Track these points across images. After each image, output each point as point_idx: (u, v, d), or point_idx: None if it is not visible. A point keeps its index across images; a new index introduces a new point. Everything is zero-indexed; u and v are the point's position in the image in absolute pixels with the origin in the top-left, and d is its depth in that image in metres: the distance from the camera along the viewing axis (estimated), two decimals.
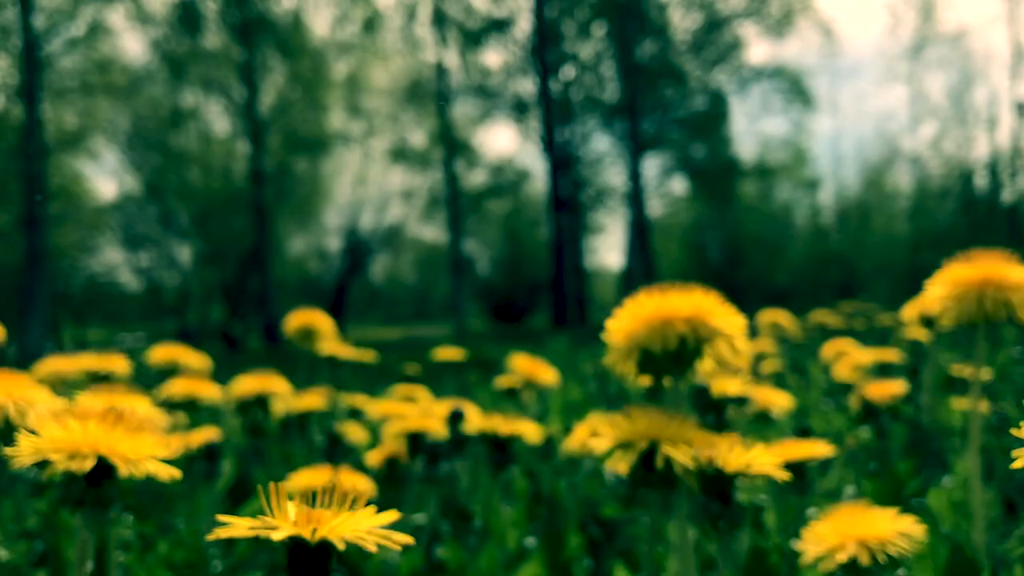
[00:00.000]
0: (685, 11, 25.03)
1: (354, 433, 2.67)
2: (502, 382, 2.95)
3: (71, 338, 45.75)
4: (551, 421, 2.90)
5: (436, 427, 2.07)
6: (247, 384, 2.34)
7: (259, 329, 36.31)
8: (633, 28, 23.32)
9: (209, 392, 2.23)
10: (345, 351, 2.36)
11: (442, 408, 2.21)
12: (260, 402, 2.30)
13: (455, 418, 2.15)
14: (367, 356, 3.68)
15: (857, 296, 29.89)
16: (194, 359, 2.76)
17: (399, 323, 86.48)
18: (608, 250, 50.06)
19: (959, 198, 28.99)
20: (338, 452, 2.53)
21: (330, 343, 2.47)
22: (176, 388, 2.21)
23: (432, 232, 50.38)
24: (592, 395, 4.06)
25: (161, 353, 2.71)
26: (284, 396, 2.34)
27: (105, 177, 45.81)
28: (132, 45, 43.20)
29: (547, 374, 2.34)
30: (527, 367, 2.33)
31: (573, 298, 26.70)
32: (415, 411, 2.33)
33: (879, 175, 33.27)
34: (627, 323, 1.16)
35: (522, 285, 38.96)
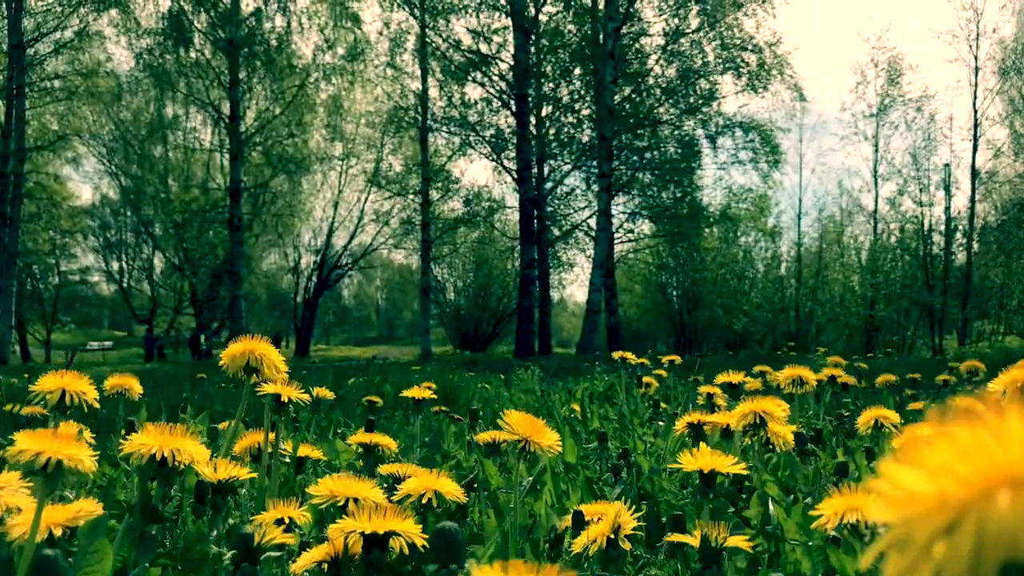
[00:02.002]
0: (663, 60, 26.00)
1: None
2: (484, 437, 2.39)
3: (37, 338, 45.61)
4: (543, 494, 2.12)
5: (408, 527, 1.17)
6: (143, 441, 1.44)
7: (226, 341, 36.37)
8: (610, 73, 24.21)
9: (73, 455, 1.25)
10: (294, 393, 1.74)
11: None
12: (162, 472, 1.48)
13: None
14: (325, 395, 3.23)
15: (810, 345, 30.98)
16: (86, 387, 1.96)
17: (366, 343, 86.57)
18: (572, 283, 51.04)
19: (915, 256, 30.13)
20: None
21: (276, 382, 1.76)
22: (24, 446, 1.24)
23: (402, 255, 51.14)
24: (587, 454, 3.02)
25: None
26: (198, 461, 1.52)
27: (83, 181, 46.00)
28: (118, 52, 43.46)
29: (549, 436, 1.61)
30: (524, 426, 1.66)
31: (538, 329, 27.41)
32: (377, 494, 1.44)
33: (838, 229, 34.44)
34: (945, 487, 0.32)
35: (489, 313, 39.66)
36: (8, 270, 26.67)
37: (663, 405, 3.49)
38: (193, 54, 29.32)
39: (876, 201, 32.04)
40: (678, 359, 4.87)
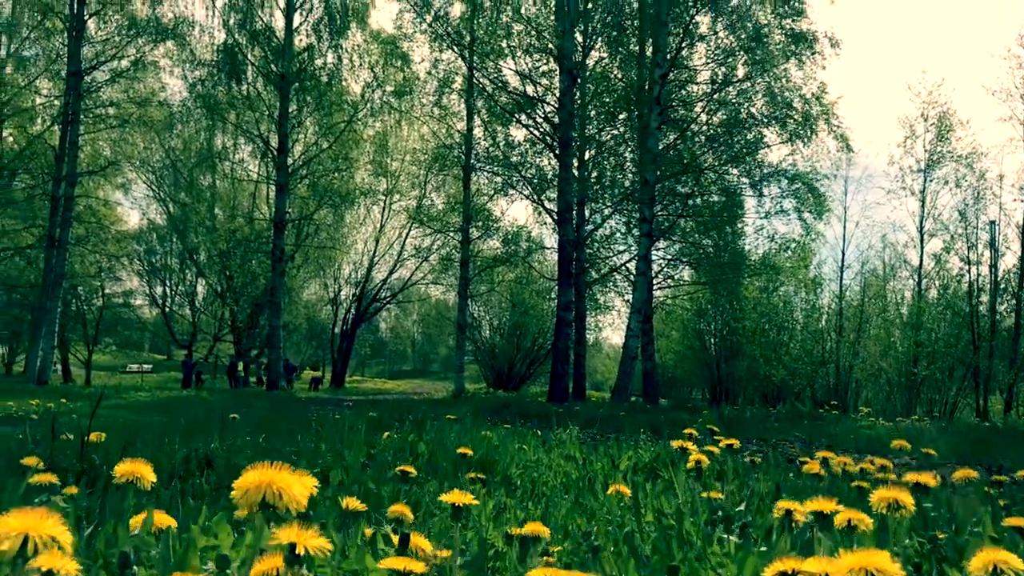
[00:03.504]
0: (709, 108, 25.96)
1: None
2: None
3: (78, 359, 46.35)
4: None
5: None
6: None
7: (263, 369, 36.74)
8: (655, 119, 24.23)
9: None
10: (313, 542, 1.13)
11: None
12: None
13: None
14: (356, 505, 2.32)
15: (849, 399, 30.41)
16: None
17: (401, 376, 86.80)
18: (609, 325, 50.69)
19: (961, 315, 29.49)
20: None
21: (291, 528, 1.19)
22: None
23: (439, 291, 51.37)
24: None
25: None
26: None
27: (132, 207, 46.88)
28: (172, 82, 44.55)
29: None
30: None
31: (573, 372, 27.25)
32: None
33: (881, 283, 33.90)
34: None
35: (523, 352, 39.55)
36: (53, 291, 27.19)
37: (716, 494, 3.14)
38: (245, 87, 29.90)
39: (921, 257, 31.53)
40: (722, 438, 4.68)
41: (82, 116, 28.48)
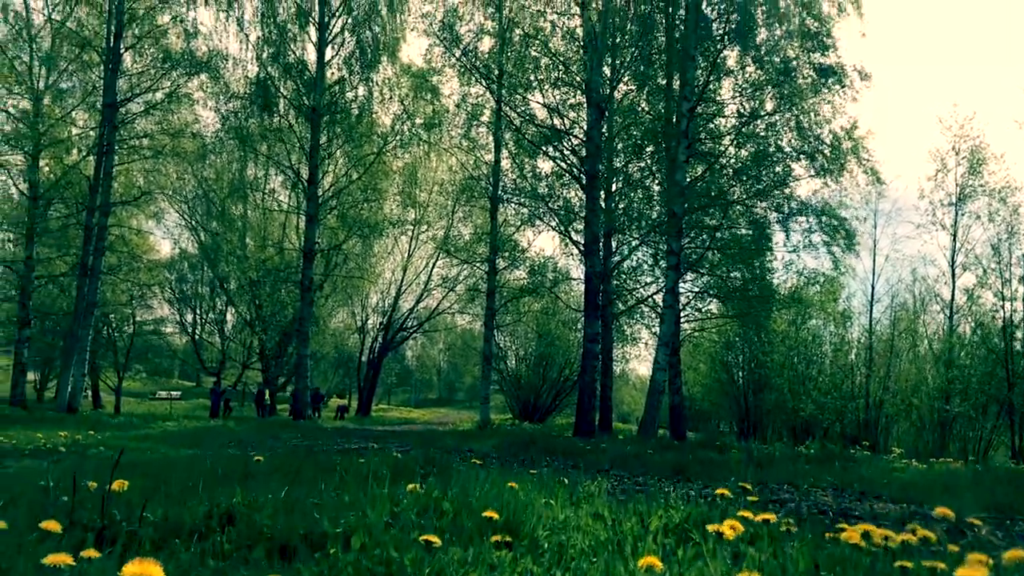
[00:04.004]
0: (737, 141, 25.88)
1: None
2: None
3: (108, 385, 46.83)
4: None
5: None
6: None
7: (291, 397, 36.89)
8: (683, 152, 24.20)
9: None
10: None
11: None
12: None
13: None
14: None
15: (878, 434, 29.92)
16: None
17: (426, 405, 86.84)
18: (635, 357, 50.41)
19: (995, 351, 28.94)
20: None
21: None
22: None
23: (465, 320, 51.42)
24: None
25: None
26: None
27: (164, 237, 47.58)
28: (205, 114, 45.20)
29: None
30: None
31: (599, 404, 27.09)
32: None
33: (912, 317, 33.47)
34: None
35: (549, 383, 39.40)
36: (85, 319, 27.51)
37: None
38: (277, 119, 30.30)
39: (953, 291, 31.10)
40: (753, 502, 4.56)
41: (116, 147, 28.96)
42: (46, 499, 4.14)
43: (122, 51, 28.49)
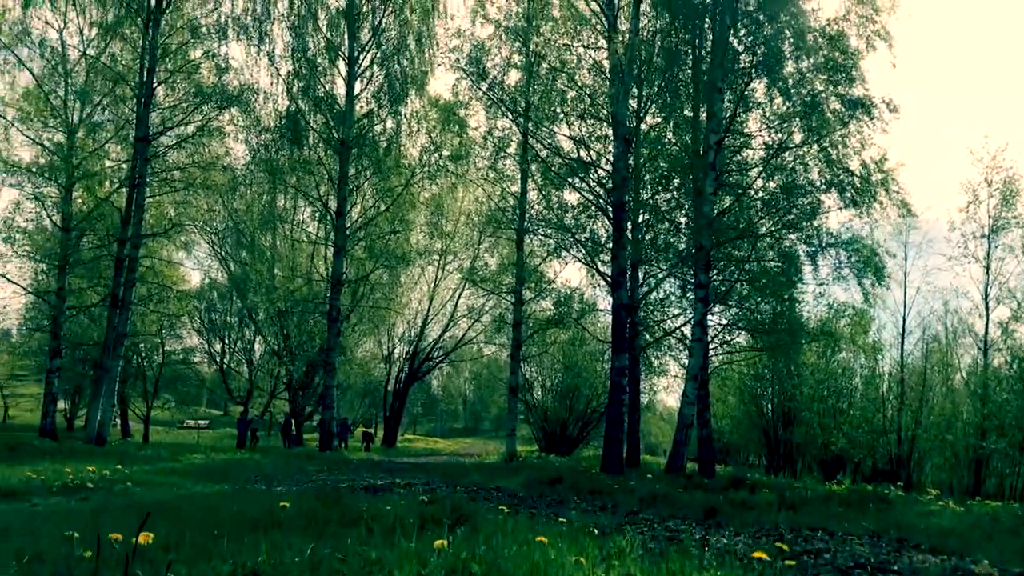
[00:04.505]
0: (765, 173, 25.74)
1: None
2: None
3: (137, 414, 47.13)
4: None
5: None
6: None
7: (317, 427, 36.92)
8: (711, 184, 24.11)
9: None
10: None
11: None
12: None
13: None
14: None
15: (912, 470, 29.36)
16: None
17: (452, 435, 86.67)
18: (664, 389, 49.90)
19: None
20: None
21: None
22: None
23: (491, 348, 51.30)
24: None
25: None
26: None
27: (194, 268, 48.09)
28: (236, 147, 45.94)
29: None
30: None
31: (628, 439, 26.83)
32: None
33: (944, 349, 32.96)
34: None
35: (576, 415, 39.12)
36: (115, 351, 27.73)
37: None
38: (306, 151, 30.61)
39: (987, 325, 30.59)
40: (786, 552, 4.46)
41: (148, 179, 29.33)
42: (71, 553, 4.11)
43: (155, 86, 28.92)
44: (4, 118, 29.88)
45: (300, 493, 9.62)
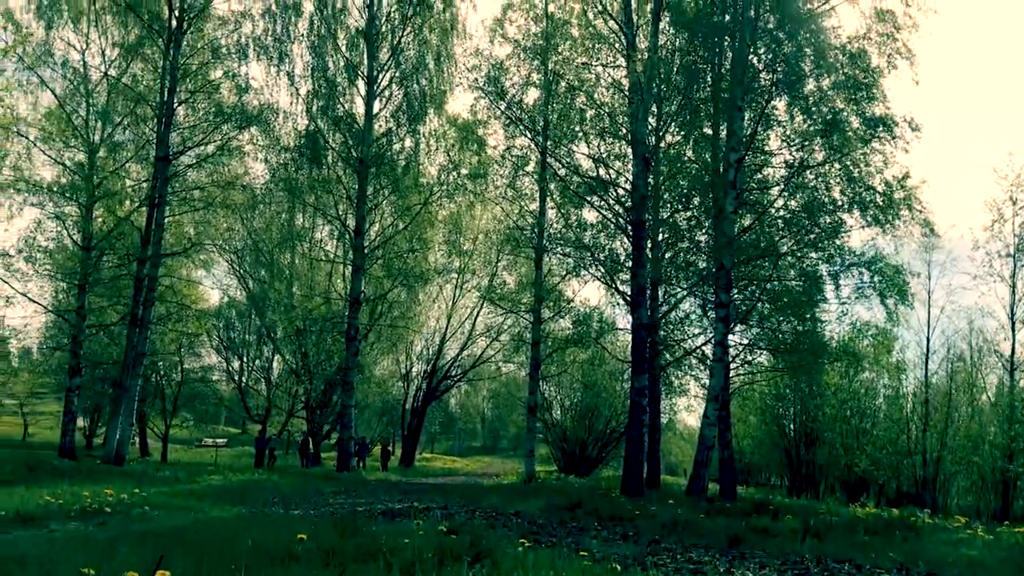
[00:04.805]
0: (786, 192, 25.52)
1: None
2: None
3: (155, 432, 47.23)
4: None
5: None
6: None
7: (336, 446, 36.85)
8: (731, 203, 23.93)
9: None
10: None
11: None
12: None
13: None
14: None
15: (937, 493, 28.87)
16: None
17: (470, 453, 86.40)
18: (685, 408, 49.52)
19: None
20: None
21: None
22: None
23: (509, 367, 51.10)
24: None
25: None
26: None
27: (213, 287, 48.24)
28: (255, 166, 46.24)
29: None
30: None
31: (648, 459, 26.55)
32: None
33: (969, 369, 32.50)
34: None
35: (595, 435, 38.84)
36: (134, 370, 27.79)
37: None
38: (325, 171, 30.68)
39: (1013, 345, 30.10)
40: None
41: (168, 199, 29.46)
42: None
43: (175, 106, 29.10)
44: (27, 138, 30.11)
45: (317, 521, 9.49)
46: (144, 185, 31.34)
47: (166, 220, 29.81)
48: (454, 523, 9.21)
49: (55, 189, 30.62)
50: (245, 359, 49.46)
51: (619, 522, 12.13)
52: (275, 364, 48.00)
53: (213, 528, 8.59)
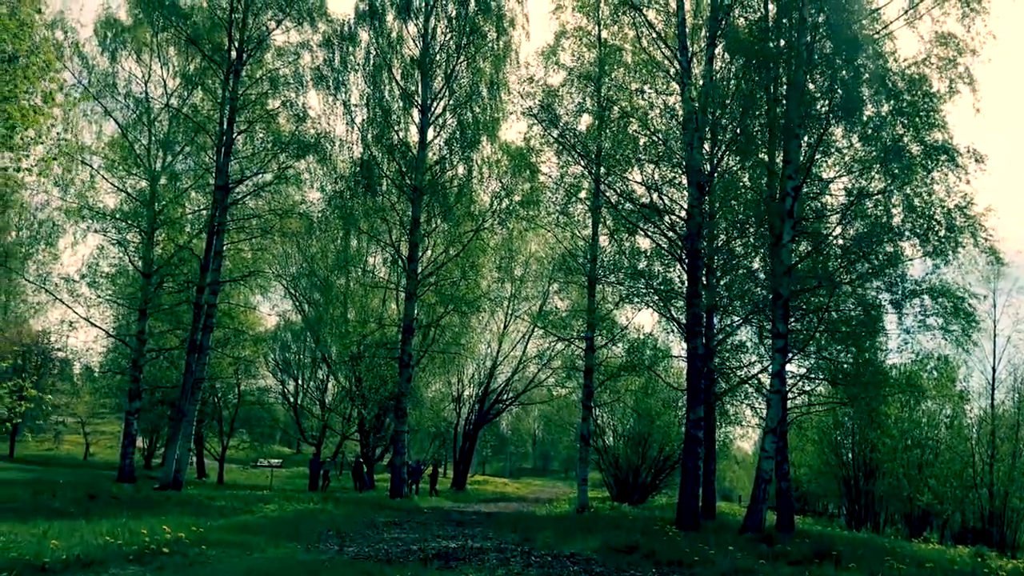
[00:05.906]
0: (845, 221, 25.01)
1: None
2: None
3: (212, 454, 47.95)
4: None
5: None
6: None
7: (388, 469, 37.00)
8: (788, 231, 23.54)
9: None
10: None
11: None
12: None
13: None
14: None
15: (1006, 528, 27.91)
16: None
17: (521, 475, 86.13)
18: (740, 437, 48.72)
19: None
20: None
21: None
22: None
23: (560, 391, 50.80)
24: None
25: None
26: None
27: (270, 313, 49.01)
28: (311, 194, 47.00)
29: None
30: None
31: (703, 490, 26.16)
32: None
33: None
34: None
35: (648, 463, 38.41)
36: (192, 395, 28.24)
37: None
38: (379, 198, 30.97)
39: None
40: None
41: (227, 226, 29.99)
42: None
43: (234, 135, 29.67)
44: (90, 166, 30.94)
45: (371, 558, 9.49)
46: (203, 213, 31.99)
47: (224, 247, 30.34)
48: (510, 571, 9.13)
49: (117, 216, 31.41)
50: (300, 381, 50.02)
51: (676, 568, 11.93)
52: (330, 386, 48.46)
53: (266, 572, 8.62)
